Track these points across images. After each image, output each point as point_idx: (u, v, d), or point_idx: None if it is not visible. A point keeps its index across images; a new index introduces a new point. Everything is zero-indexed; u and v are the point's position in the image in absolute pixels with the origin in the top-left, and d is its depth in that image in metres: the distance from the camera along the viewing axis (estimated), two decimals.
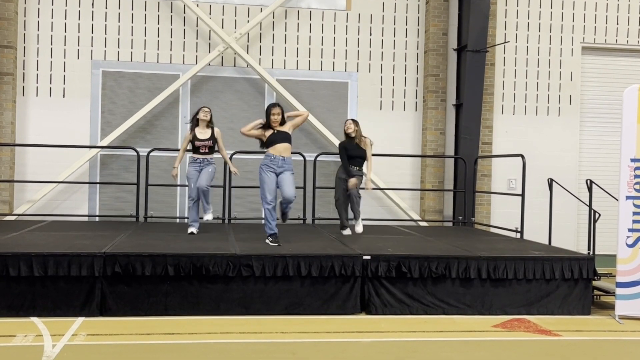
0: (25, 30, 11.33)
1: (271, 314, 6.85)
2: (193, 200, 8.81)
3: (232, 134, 11.19)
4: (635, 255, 7.20)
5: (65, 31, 11.43)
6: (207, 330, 6.24)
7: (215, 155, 8.87)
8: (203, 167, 8.71)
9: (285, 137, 7.94)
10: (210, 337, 6.00)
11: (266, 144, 8.01)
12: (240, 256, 6.86)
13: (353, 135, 8.85)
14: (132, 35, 11.57)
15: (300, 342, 5.94)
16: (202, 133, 8.71)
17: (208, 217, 8.85)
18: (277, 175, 7.91)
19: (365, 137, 8.88)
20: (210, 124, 8.79)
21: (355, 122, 8.93)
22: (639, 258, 7.19)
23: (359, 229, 8.92)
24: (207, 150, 8.70)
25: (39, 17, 11.36)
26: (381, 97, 12.18)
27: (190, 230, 8.81)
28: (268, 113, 7.98)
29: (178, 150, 11.36)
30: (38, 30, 11.37)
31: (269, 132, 7.96)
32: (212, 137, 8.74)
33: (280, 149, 7.88)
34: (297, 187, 8.47)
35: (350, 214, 9.20)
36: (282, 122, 8.00)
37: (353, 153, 8.84)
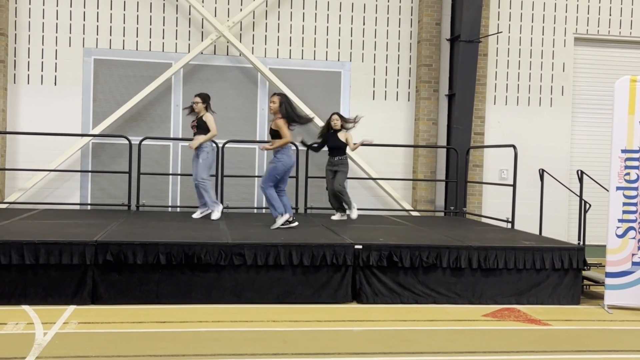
0: (16, 17, 11.25)
1: (263, 303, 6.87)
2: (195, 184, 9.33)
3: (225, 122, 11.19)
4: (624, 245, 7.25)
5: (57, 18, 11.36)
6: (199, 318, 6.26)
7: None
8: (197, 153, 9.17)
9: (273, 135, 8.34)
10: (202, 326, 6.02)
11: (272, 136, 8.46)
12: (232, 245, 6.87)
13: (338, 129, 9.59)
14: (124, 23, 11.52)
15: (292, 331, 5.97)
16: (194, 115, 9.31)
17: (214, 216, 9.13)
18: None
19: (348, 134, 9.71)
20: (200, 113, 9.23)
21: (340, 116, 9.65)
22: (628, 248, 7.25)
23: (354, 215, 9.70)
24: (195, 131, 9.20)
25: (30, 4, 11.28)
26: (374, 87, 12.17)
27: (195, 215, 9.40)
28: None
29: (170, 139, 11.46)
30: (29, 17, 11.29)
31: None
32: (198, 119, 9.19)
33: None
34: (290, 177, 8.58)
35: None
36: (276, 111, 8.29)
37: (333, 144, 9.63)
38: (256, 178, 11.68)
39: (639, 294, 7.22)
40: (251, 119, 11.75)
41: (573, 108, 12.61)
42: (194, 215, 9.33)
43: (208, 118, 9.14)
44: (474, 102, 11.79)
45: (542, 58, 12.46)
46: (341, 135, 9.58)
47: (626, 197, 7.27)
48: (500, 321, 6.62)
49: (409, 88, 12.25)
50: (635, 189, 7.26)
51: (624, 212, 7.27)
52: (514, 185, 9.91)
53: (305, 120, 8.52)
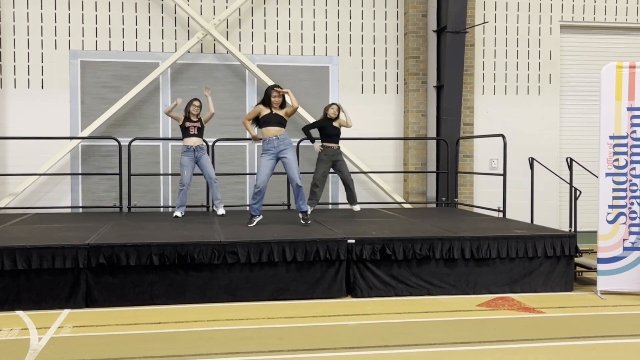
0: (0, 21, 11.17)
1: (257, 300, 6.88)
2: (183, 187, 9.30)
3: (214, 120, 11.11)
4: (615, 231, 7.30)
5: (42, 21, 11.29)
6: (194, 318, 6.26)
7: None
8: (199, 156, 9.29)
9: (279, 121, 8.19)
10: (197, 325, 6.02)
11: (260, 123, 8.23)
12: (225, 243, 6.87)
13: (335, 118, 9.70)
14: (109, 23, 11.46)
15: (287, 327, 5.98)
16: (192, 118, 9.33)
17: (221, 211, 9.42)
18: (279, 158, 8.19)
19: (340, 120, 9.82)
20: (198, 115, 9.42)
21: (338, 106, 9.76)
22: (619, 234, 7.30)
23: (357, 208, 9.95)
24: (196, 132, 9.27)
25: (14, 7, 11.21)
26: (362, 80, 12.17)
27: (175, 214, 9.34)
28: (269, 94, 8.17)
29: (160, 139, 11.42)
30: (14, 20, 11.22)
31: (265, 112, 8.19)
32: (200, 120, 9.36)
33: (273, 131, 8.14)
34: (280, 173, 8.54)
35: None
36: (282, 106, 8.23)
37: (330, 132, 9.71)
38: (247, 175, 11.69)
39: (631, 278, 7.27)
40: (240, 116, 11.67)
41: (561, 96, 12.65)
42: (220, 213, 9.39)
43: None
44: (463, 93, 11.81)
45: (528, 47, 12.50)
46: (336, 123, 9.71)
47: (616, 183, 7.31)
48: (494, 310, 6.66)
49: (397, 81, 12.27)
50: (625, 174, 7.30)
51: (614, 198, 7.32)
52: (504, 175, 9.94)
53: None
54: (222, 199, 9.59)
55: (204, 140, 9.41)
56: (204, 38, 11.51)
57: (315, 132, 9.81)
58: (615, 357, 5.20)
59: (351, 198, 9.97)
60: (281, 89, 8.20)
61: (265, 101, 8.20)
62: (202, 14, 11.62)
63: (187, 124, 9.25)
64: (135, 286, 6.72)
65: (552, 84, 12.56)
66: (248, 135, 11.71)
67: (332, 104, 9.83)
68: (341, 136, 9.86)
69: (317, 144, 9.71)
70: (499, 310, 6.67)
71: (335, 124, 9.73)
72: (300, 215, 8.30)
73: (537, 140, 12.31)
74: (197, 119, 9.30)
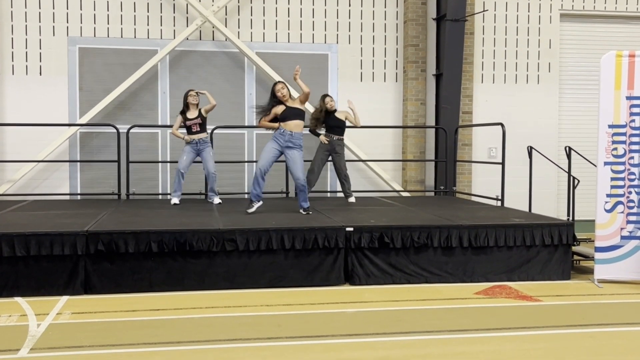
0: None
1: (256, 288, 6.90)
2: (180, 173, 9.35)
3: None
4: (613, 220, 7.31)
5: (40, 7, 11.24)
6: (192, 305, 6.28)
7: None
8: (201, 149, 9.36)
9: (296, 113, 8.21)
10: (196, 312, 6.04)
11: (280, 119, 8.23)
12: (224, 231, 6.88)
13: (333, 110, 9.65)
14: (108, 10, 11.41)
15: (285, 314, 6.00)
16: (191, 113, 9.35)
17: (217, 200, 9.54)
18: (283, 151, 8.20)
19: (346, 112, 9.80)
20: (198, 105, 9.44)
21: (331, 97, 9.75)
22: (616, 223, 7.31)
23: (352, 200, 9.76)
24: (198, 129, 9.33)
25: None
26: (361, 68, 12.14)
27: (174, 201, 9.38)
28: (273, 91, 8.21)
29: (158, 126, 11.40)
30: (12, 7, 11.17)
31: (280, 109, 8.20)
32: (200, 115, 9.34)
33: (292, 125, 8.16)
34: (279, 161, 8.49)
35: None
36: (290, 96, 8.28)
37: (335, 123, 9.64)
38: (246, 163, 11.68)
39: (628, 267, 7.30)
40: (239, 104, 11.71)
41: (560, 84, 12.63)
42: (217, 202, 9.49)
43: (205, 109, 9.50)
44: (462, 81, 11.78)
45: (528, 35, 12.46)
46: (340, 115, 9.63)
47: (614, 172, 7.32)
48: (492, 298, 6.68)
49: (397, 69, 12.23)
50: (623, 163, 7.31)
51: (612, 187, 7.33)
52: (502, 163, 9.95)
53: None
54: (217, 193, 9.64)
55: (207, 133, 9.47)
56: (203, 25, 11.46)
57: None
58: (612, 345, 5.22)
59: (346, 191, 9.85)
60: (282, 82, 8.29)
61: (275, 100, 8.20)
62: (200, 0, 11.57)
63: (189, 122, 9.28)
64: (134, 273, 6.73)
65: (552, 73, 12.54)
66: (247, 123, 11.68)
67: (326, 95, 9.70)
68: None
69: (322, 136, 9.61)
70: (496, 298, 6.70)
71: (339, 115, 9.63)
72: (301, 210, 8.30)
73: (536, 129, 12.30)
74: (197, 114, 9.28)
